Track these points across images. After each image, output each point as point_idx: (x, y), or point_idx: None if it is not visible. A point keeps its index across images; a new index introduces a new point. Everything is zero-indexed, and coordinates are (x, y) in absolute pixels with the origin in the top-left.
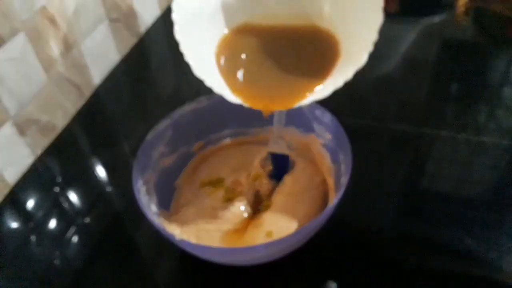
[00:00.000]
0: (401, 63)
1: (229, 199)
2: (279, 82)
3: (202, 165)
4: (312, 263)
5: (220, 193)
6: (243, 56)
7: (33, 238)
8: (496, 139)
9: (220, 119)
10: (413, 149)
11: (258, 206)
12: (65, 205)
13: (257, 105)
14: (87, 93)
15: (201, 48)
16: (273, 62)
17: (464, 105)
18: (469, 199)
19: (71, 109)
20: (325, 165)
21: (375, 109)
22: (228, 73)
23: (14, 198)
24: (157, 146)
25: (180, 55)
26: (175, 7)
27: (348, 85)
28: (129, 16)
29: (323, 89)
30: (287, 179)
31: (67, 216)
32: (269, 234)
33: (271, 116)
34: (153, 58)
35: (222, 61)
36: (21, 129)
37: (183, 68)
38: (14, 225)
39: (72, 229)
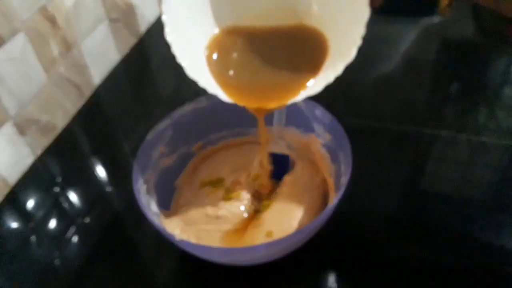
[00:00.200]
0: (401, 63)
1: (229, 199)
2: (271, 80)
3: (202, 165)
4: (312, 263)
5: (220, 193)
6: (234, 56)
7: (33, 238)
8: (496, 139)
9: (220, 119)
10: (413, 149)
11: (258, 206)
12: (65, 205)
13: (250, 104)
14: (87, 93)
15: (193, 49)
16: (263, 61)
17: (464, 105)
18: (469, 199)
19: (71, 109)
20: (325, 165)
21: (375, 109)
22: (219, 73)
23: (14, 198)
24: (157, 146)
25: None
26: (165, 8)
27: (348, 85)
28: (129, 16)
29: (315, 85)
30: (287, 179)
31: (67, 216)
32: (269, 234)
33: (271, 116)
34: (153, 58)
35: (213, 61)
36: (21, 129)
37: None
38: (14, 225)
39: (72, 229)
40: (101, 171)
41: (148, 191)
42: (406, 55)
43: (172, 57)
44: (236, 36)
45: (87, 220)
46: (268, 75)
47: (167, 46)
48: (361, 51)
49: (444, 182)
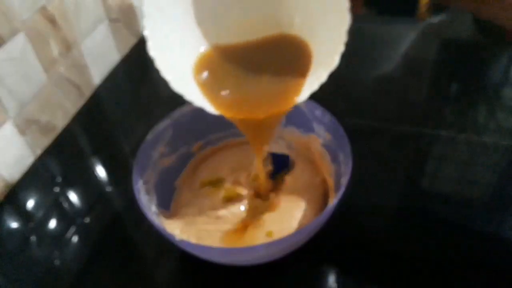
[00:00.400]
0: (401, 63)
1: (229, 199)
2: (257, 92)
3: (202, 165)
4: (312, 263)
5: (220, 193)
6: (220, 70)
7: (33, 238)
8: (496, 139)
9: (220, 119)
10: (413, 149)
11: (258, 206)
12: (65, 205)
13: (238, 115)
14: (87, 93)
15: (178, 63)
16: (250, 74)
17: (464, 105)
18: (469, 199)
19: (71, 109)
20: (325, 165)
21: (375, 109)
22: (206, 87)
23: (14, 198)
24: (157, 146)
25: None
26: (146, 24)
27: (348, 85)
28: (129, 16)
29: (301, 94)
30: (287, 179)
31: (67, 216)
32: (269, 234)
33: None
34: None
35: (199, 75)
36: (21, 129)
37: None
38: (14, 225)
39: (72, 229)
40: (101, 171)
41: (148, 191)
42: (406, 55)
43: None
44: (222, 50)
45: (87, 220)
46: (254, 87)
47: None
48: (361, 51)
49: (444, 182)
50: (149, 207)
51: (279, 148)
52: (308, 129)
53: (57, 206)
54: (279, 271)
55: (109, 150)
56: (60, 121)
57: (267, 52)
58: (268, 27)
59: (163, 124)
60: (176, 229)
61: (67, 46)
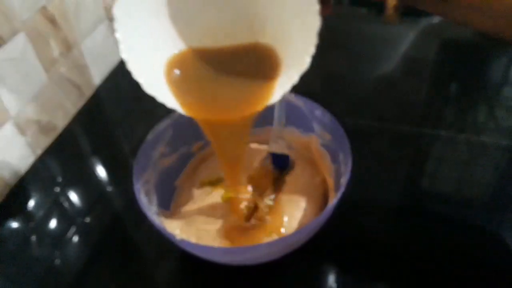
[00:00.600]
0: (401, 64)
1: (229, 199)
2: (228, 95)
3: (202, 165)
4: (312, 263)
5: (220, 193)
6: (192, 73)
7: (33, 238)
8: (495, 139)
9: None
10: (413, 149)
11: (258, 206)
12: (65, 205)
13: (208, 116)
14: (88, 93)
15: (150, 65)
16: (221, 78)
17: (464, 105)
18: (469, 199)
19: (72, 109)
20: (325, 165)
21: (375, 109)
22: (178, 88)
23: (15, 198)
24: (157, 146)
25: None
26: (117, 26)
27: (348, 85)
28: None
29: (273, 95)
30: (287, 179)
31: (67, 216)
32: (269, 234)
33: (271, 116)
34: None
35: (171, 78)
36: (22, 129)
37: None
38: (15, 224)
39: (73, 229)
40: (101, 171)
41: (148, 191)
42: (405, 55)
43: None
44: (195, 53)
45: (87, 220)
46: (225, 90)
47: None
48: (361, 51)
49: (444, 182)
50: (149, 207)
51: (279, 148)
52: (308, 129)
53: (58, 206)
54: (279, 271)
55: (109, 150)
56: (61, 121)
57: (239, 58)
58: (240, 31)
59: (163, 124)
60: (176, 229)
61: (68, 46)
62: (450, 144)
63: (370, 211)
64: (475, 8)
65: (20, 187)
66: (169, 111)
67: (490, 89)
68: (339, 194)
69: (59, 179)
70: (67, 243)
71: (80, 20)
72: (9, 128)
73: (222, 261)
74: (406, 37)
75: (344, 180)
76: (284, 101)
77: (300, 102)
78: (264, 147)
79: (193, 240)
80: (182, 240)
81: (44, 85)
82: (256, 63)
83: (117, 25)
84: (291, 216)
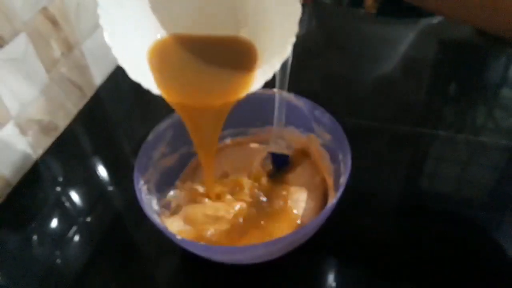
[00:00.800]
0: (400, 64)
1: (229, 199)
2: (208, 82)
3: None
4: (312, 262)
5: (220, 193)
6: (174, 60)
7: (34, 237)
8: (494, 139)
9: None
10: (412, 149)
11: (258, 205)
12: (67, 204)
13: (188, 101)
14: (89, 93)
15: (135, 52)
16: (202, 65)
17: (463, 106)
18: (468, 199)
19: (73, 109)
20: (324, 164)
21: (374, 109)
22: (160, 75)
23: (16, 198)
24: (158, 146)
25: None
26: (101, 13)
27: (348, 85)
28: None
29: (256, 82)
30: (287, 179)
31: (68, 216)
32: (269, 233)
33: (271, 116)
34: None
35: (154, 64)
36: (23, 129)
37: None
38: (15, 225)
39: (74, 229)
40: (102, 171)
41: (149, 191)
42: (405, 56)
43: None
44: (177, 41)
45: (88, 219)
46: (205, 78)
47: None
48: (361, 51)
49: (443, 182)
50: (150, 206)
51: (279, 148)
52: (308, 129)
53: (59, 206)
54: (279, 270)
55: (110, 150)
56: (62, 121)
57: (219, 48)
58: (223, 19)
59: (164, 124)
60: (176, 228)
61: (69, 47)
62: (450, 144)
63: (370, 211)
64: (476, 4)
65: (21, 187)
66: (170, 111)
67: (489, 89)
68: (338, 194)
69: (60, 179)
70: (68, 243)
71: (81, 20)
72: (10, 128)
73: (223, 260)
74: (406, 37)
75: (343, 180)
76: (284, 101)
77: (300, 102)
78: (264, 147)
79: (193, 239)
80: (183, 240)
81: (45, 86)
82: (236, 54)
83: (100, 11)
84: (291, 216)
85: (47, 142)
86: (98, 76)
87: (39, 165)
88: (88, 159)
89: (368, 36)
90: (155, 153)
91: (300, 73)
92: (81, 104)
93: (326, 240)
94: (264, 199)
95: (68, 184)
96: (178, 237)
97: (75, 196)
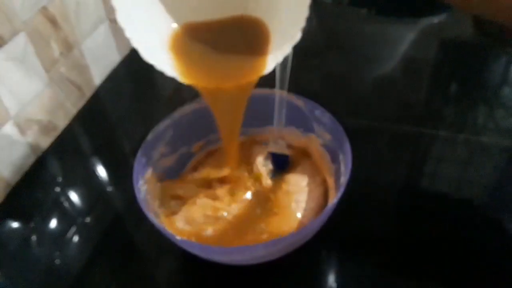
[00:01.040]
0: (400, 64)
1: (229, 199)
2: (225, 65)
3: (202, 165)
4: (312, 263)
5: (220, 193)
6: (191, 46)
7: (33, 238)
8: (495, 139)
9: None
10: (413, 149)
11: (258, 205)
12: (66, 205)
13: (209, 84)
14: (88, 93)
15: (148, 33)
16: (217, 50)
17: (463, 105)
18: (468, 199)
19: (72, 109)
20: (325, 165)
21: (375, 109)
22: (180, 60)
23: (15, 198)
24: (158, 146)
25: None
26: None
27: (348, 85)
28: None
29: (267, 65)
30: (288, 179)
31: (67, 216)
32: (269, 234)
33: (271, 115)
34: None
35: (175, 49)
36: (22, 129)
37: None
38: (15, 225)
39: (73, 229)
40: (101, 171)
41: (149, 191)
42: (405, 55)
43: None
44: (190, 28)
45: (87, 220)
46: (225, 60)
47: None
48: (361, 51)
49: (443, 182)
50: (150, 206)
51: (279, 148)
52: (308, 129)
53: (58, 206)
54: (279, 271)
55: (109, 150)
56: (61, 121)
57: (231, 31)
58: (233, 3)
59: (164, 124)
60: (176, 228)
61: (68, 46)
62: (450, 144)
63: (370, 211)
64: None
65: (21, 187)
66: (169, 111)
67: (489, 89)
68: (339, 194)
69: (60, 179)
70: (67, 243)
71: (80, 20)
72: (9, 128)
73: (223, 261)
74: (406, 37)
75: (344, 180)
76: (284, 101)
77: (300, 102)
78: (264, 147)
79: (193, 240)
80: (183, 240)
81: (45, 85)
82: (248, 35)
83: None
84: (292, 216)
85: (46, 142)
86: (98, 76)
87: (38, 165)
88: (88, 159)
89: (368, 35)
90: (154, 153)
91: (300, 73)
92: (80, 104)
93: (326, 241)
94: (264, 199)
95: (68, 184)
96: (178, 237)
97: (74, 196)
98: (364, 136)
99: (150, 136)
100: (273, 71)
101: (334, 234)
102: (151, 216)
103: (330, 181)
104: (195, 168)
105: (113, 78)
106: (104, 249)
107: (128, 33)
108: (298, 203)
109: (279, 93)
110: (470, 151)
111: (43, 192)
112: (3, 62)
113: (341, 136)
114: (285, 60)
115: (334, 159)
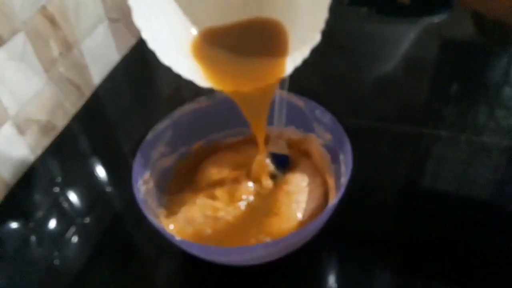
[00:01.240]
0: (401, 63)
1: (228, 200)
2: (245, 68)
3: (202, 165)
4: (312, 263)
5: (220, 193)
6: (210, 48)
7: (33, 238)
8: (496, 139)
9: (220, 119)
10: (413, 149)
11: (258, 206)
12: (65, 205)
13: (227, 87)
14: (87, 93)
15: (164, 35)
16: (237, 52)
17: (464, 105)
18: (469, 199)
19: (71, 109)
20: (325, 165)
21: (375, 109)
22: (203, 63)
23: (14, 198)
24: (157, 146)
25: None
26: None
27: (348, 85)
28: (129, 16)
29: (286, 68)
30: (288, 179)
31: (67, 216)
32: (269, 234)
33: (271, 116)
34: (153, 58)
35: (193, 54)
36: (21, 129)
37: None
38: (14, 225)
39: (72, 229)
40: (101, 171)
41: (148, 191)
42: (406, 55)
43: None
44: (209, 33)
45: (87, 220)
46: (241, 64)
47: None
48: (361, 51)
49: (444, 182)
50: (149, 207)
51: (279, 148)
52: (308, 129)
53: (57, 206)
54: (279, 271)
55: (109, 150)
56: (60, 121)
57: (250, 33)
58: (251, 6)
59: (163, 124)
60: (175, 229)
61: (67, 46)
62: (451, 144)
63: (370, 211)
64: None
65: (20, 187)
66: (169, 111)
67: (490, 89)
68: (339, 194)
69: (59, 179)
70: (66, 243)
71: (80, 20)
72: (8, 128)
73: (222, 261)
74: (407, 37)
75: (344, 180)
76: (284, 101)
77: (300, 102)
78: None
79: (193, 240)
80: (182, 241)
81: (44, 85)
82: (266, 38)
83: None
84: (292, 216)
85: (45, 142)
86: (97, 76)
87: (37, 165)
88: (87, 159)
89: (369, 35)
90: (154, 153)
91: (300, 73)
92: (79, 104)
93: (327, 241)
94: (264, 199)
95: (67, 184)
96: (177, 237)
97: (73, 196)
98: (365, 136)
99: (149, 136)
100: None
101: (334, 234)
102: (150, 216)
103: (331, 181)
104: (195, 168)
105: (113, 77)
106: (104, 249)
107: (145, 35)
108: (298, 204)
109: (279, 93)
110: (471, 151)
111: (42, 192)
112: (2, 62)
113: (342, 136)
114: None
115: (335, 159)
